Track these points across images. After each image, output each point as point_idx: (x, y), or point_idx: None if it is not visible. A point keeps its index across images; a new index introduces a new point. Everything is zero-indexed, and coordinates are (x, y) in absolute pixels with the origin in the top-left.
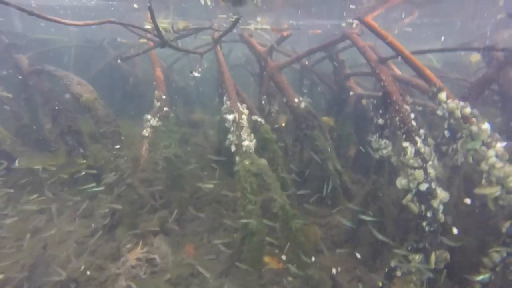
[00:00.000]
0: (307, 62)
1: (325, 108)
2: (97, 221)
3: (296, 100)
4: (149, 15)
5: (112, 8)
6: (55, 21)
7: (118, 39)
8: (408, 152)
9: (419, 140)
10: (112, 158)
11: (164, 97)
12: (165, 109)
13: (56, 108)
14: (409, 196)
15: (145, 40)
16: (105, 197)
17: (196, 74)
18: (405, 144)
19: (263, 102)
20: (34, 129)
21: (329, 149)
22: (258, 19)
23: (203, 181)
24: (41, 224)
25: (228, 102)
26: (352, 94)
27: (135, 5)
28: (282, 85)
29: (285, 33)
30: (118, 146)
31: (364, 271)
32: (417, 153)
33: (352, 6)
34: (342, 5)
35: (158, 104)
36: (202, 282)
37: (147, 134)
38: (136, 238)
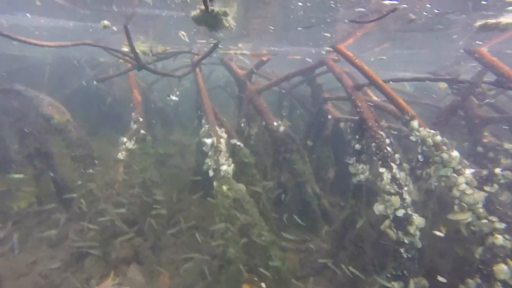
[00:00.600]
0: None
1: (304, 131)
2: (64, 251)
3: (275, 123)
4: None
5: (90, 30)
6: (28, 43)
7: (101, 59)
8: (385, 178)
9: (394, 166)
10: (83, 183)
11: (141, 119)
12: (142, 131)
13: (24, 129)
14: (387, 222)
15: (123, 61)
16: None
17: (173, 98)
18: (382, 169)
19: (242, 125)
20: None
21: (307, 172)
22: (240, 45)
23: (185, 205)
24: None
25: (207, 126)
26: (330, 118)
27: (114, 28)
28: (261, 108)
29: (264, 58)
30: (90, 171)
31: None
32: (393, 179)
33: (327, 34)
34: (319, 34)
35: (135, 126)
36: None
37: (122, 158)
38: (107, 268)
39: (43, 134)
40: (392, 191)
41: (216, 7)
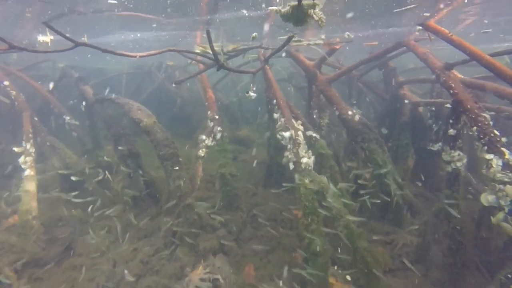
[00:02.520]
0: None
1: (376, 119)
2: (159, 241)
3: (349, 112)
4: (199, 40)
5: (167, 37)
6: (125, 55)
7: (166, 63)
8: (494, 165)
9: (506, 152)
10: (170, 180)
11: (217, 117)
12: (219, 128)
13: (118, 132)
14: (500, 215)
15: (195, 63)
16: (166, 219)
17: (251, 94)
18: (489, 156)
19: (314, 116)
20: (95, 153)
21: (388, 162)
22: (311, 36)
23: (257, 200)
24: (108, 243)
25: (283, 119)
26: (407, 102)
27: (187, 32)
28: (333, 98)
29: (337, 46)
30: (177, 168)
31: None
32: (506, 165)
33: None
34: (404, 13)
35: (212, 124)
36: None
37: (202, 154)
38: (197, 257)
39: (133, 137)
40: (506, 179)
41: (305, 1)
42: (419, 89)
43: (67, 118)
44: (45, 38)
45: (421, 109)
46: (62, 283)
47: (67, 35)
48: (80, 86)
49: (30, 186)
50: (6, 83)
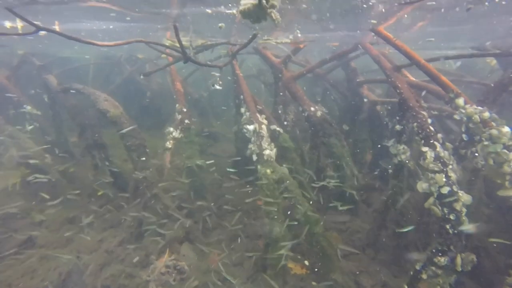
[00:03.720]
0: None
1: (339, 115)
2: (124, 231)
3: (312, 108)
4: (168, 34)
5: (138, 30)
6: (90, 43)
7: (139, 55)
8: (428, 157)
9: (438, 145)
10: (137, 170)
11: (185, 110)
12: (186, 121)
13: (84, 123)
14: (431, 200)
15: (165, 56)
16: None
17: (217, 87)
18: (425, 149)
19: (279, 111)
20: (59, 143)
21: (346, 155)
22: (277, 35)
23: (223, 191)
24: (71, 234)
25: (248, 113)
26: (366, 101)
27: (159, 26)
28: (298, 94)
29: (301, 45)
30: (144, 158)
31: (388, 275)
32: (437, 157)
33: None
34: (356, 18)
35: (180, 116)
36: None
37: (170, 146)
38: (163, 246)
39: (99, 128)
40: (436, 169)
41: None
42: (380, 88)
43: (28, 107)
44: (14, 24)
45: (379, 107)
46: (22, 275)
47: (37, 22)
48: (42, 75)
49: None
50: None
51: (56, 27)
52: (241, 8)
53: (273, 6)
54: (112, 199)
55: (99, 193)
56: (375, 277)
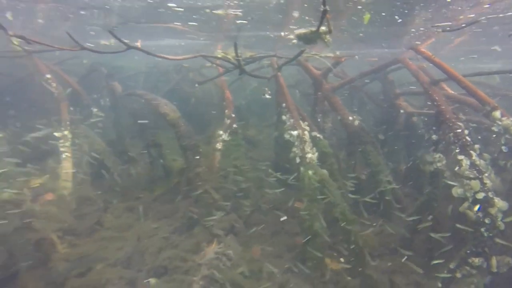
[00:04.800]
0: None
1: (374, 125)
2: (177, 222)
3: (350, 118)
4: (219, 46)
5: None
6: (163, 57)
7: (185, 65)
8: (463, 164)
9: (473, 154)
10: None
11: (233, 115)
12: (234, 125)
13: (144, 125)
14: (465, 204)
15: (209, 65)
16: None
17: (267, 96)
18: (460, 157)
19: (318, 120)
20: (118, 143)
21: (381, 163)
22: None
23: (263, 191)
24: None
25: (292, 120)
26: (402, 112)
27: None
28: (337, 105)
29: (343, 59)
30: (197, 157)
31: (421, 276)
32: (472, 165)
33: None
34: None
35: (228, 121)
36: (270, 276)
37: (219, 147)
38: (211, 236)
39: (156, 129)
40: (472, 176)
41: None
42: (416, 100)
43: (95, 110)
44: (107, 42)
45: (415, 118)
46: (96, 250)
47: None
48: (109, 82)
49: (67, 167)
50: (48, 76)
51: (138, 44)
52: (297, 32)
53: (330, 32)
54: (165, 193)
55: (155, 192)
56: (409, 277)
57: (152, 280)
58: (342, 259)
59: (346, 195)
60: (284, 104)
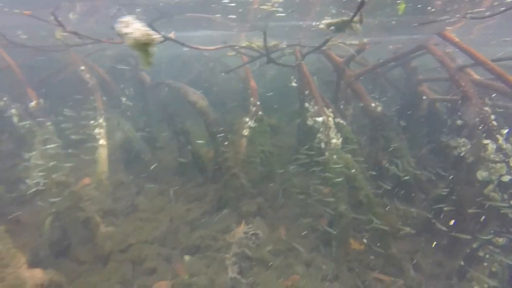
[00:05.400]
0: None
1: (396, 112)
2: (207, 204)
3: (372, 104)
4: (243, 35)
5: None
6: (196, 48)
7: (205, 54)
8: (489, 148)
9: (500, 138)
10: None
11: (258, 103)
12: (260, 113)
13: (172, 113)
14: (490, 187)
15: (231, 54)
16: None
17: (294, 84)
18: (486, 141)
19: (341, 106)
20: (147, 130)
21: (403, 148)
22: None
23: (290, 175)
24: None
25: (316, 107)
26: (425, 98)
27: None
28: (359, 91)
29: (367, 47)
30: (226, 143)
31: (443, 256)
32: (498, 149)
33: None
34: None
35: (254, 109)
36: (297, 255)
37: (246, 133)
38: (239, 218)
39: (183, 117)
40: (497, 159)
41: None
42: (438, 86)
43: (123, 99)
44: None
45: (438, 104)
46: (133, 230)
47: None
48: (137, 72)
49: (103, 153)
50: (82, 67)
51: (172, 36)
52: (327, 21)
53: (361, 22)
54: (195, 177)
55: (184, 177)
56: (431, 257)
57: (186, 257)
58: (365, 240)
59: (369, 179)
60: (307, 92)
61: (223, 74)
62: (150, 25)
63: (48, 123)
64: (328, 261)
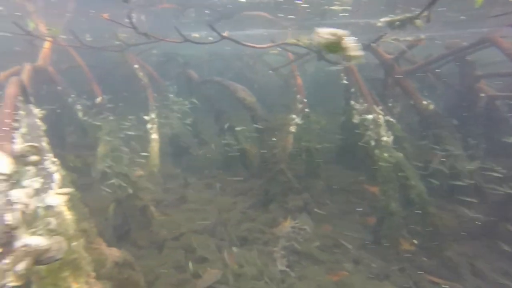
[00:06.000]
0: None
1: (448, 110)
2: (253, 198)
3: (424, 102)
4: (289, 33)
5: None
6: (249, 46)
7: (247, 52)
8: None
9: None
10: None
11: (305, 100)
12: (306, 110)
13: (220, 109)
14: None
15: (276, 51)
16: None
17: (345, 82)
18: None
19: (390, 104)
20: (194, 126)
21: (457, 148)
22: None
23: (335, 172)
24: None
25: (366, 105)
26: (483, 96)
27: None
28: (409, 89)
29: (423, 42)
30: (274, 139)
31: (509, 265)
32: None
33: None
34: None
35: (300, 106)
36: (344, 252)
37: (293, 130)
38: (285, 213)
39: (230, 113)
40: None
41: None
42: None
43: (171, 95)
44: (197, 34)
45: (498, 102)
46: (184, 220)
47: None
48: (186, 70)
49: (155, 146)
50: (136, 66)
51: (226, 35)
52: (389, 19)
53: (428, 21)
54: (240, 172)
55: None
56: (494, 264)
57: (235, 248)
58: (415, 241)
59: (421, 178)
60: (353, 89)
61: (270, 71)
62: (211, 26)
63: (111, 117)
64: (377, 259)
